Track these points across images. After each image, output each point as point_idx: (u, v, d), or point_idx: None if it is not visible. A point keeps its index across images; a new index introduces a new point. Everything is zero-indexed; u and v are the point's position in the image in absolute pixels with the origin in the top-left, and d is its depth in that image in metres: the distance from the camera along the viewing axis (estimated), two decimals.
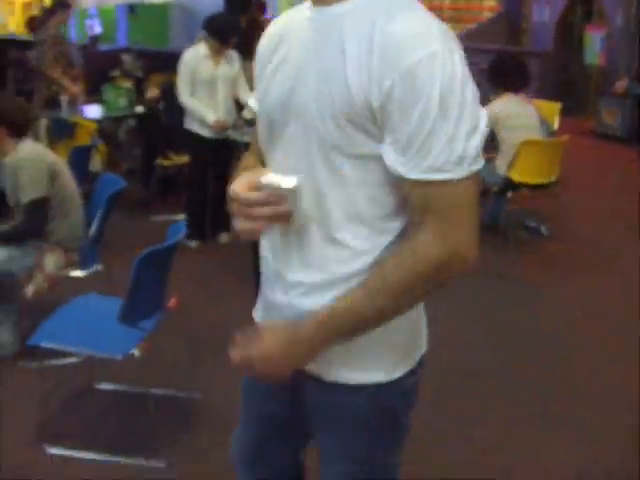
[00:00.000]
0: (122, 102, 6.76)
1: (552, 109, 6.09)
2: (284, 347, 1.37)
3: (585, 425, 3.12)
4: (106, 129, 6.81)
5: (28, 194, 3.57)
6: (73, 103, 6.74)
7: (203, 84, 5.17)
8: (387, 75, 1.23)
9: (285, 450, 1.75)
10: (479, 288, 4.35)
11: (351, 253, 1.38)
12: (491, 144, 4.98)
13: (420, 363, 1.55)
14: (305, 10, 1.42)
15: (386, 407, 1.50)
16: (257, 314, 1.64)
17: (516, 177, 4.76)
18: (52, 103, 6.74)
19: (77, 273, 3.80)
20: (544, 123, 5.29)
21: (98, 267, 3.86)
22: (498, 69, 4.97)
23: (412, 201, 1.31)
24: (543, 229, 5.40)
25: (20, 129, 3.73)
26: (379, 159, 1.30)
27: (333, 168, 1.34)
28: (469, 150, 1.26)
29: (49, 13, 7.15)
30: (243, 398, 1.77)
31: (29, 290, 3.65)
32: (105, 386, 3.45)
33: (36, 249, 3.67)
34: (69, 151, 5.11)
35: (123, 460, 2.89)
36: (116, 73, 8.11)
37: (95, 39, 12.68)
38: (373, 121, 1.27)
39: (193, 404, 3.29)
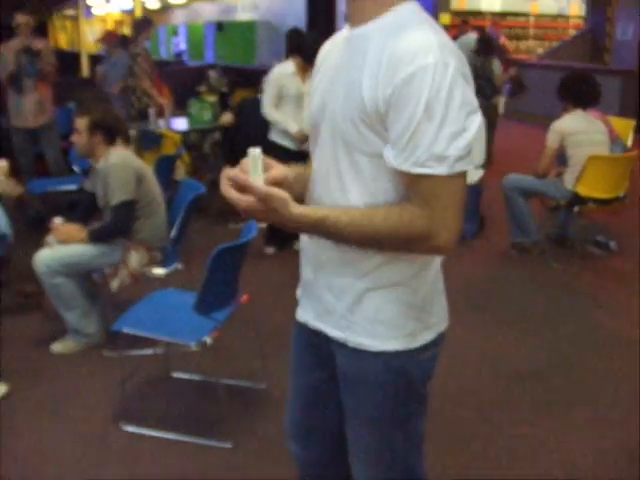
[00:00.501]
0: (207, 115, 7.16)
1: (626, 126, 6.13)
2: (287, 217, 1.54)
3: None
4: (191, 141, 7.21)
5: (117, 196, 3.92)
6: (160, 115, 7.17)
7: (290, 100, 5.46)
8: (389, 85, 1.47)
9: (329, 420, 1.98)
10: (547, 298, 4.52)
11: None
12: (561, 159, 5.11)
13: (438, 340, 1.77)
14: (345, 31, 1.68)
15: (400, 372, 1.73)
16: (298, 292, 1.92)
17: (583, 192, 4.87)
18: (141, 115, 7.18)
19: (159, 270, 4.11)
20: (617, 140, 5.37)
21: (178, 266, 4.17)
22: (567, 86, 5.08)
23: (406, 187, 1.55)
24: (612, 245, 5.45)
25: (113, 136, 4.10)
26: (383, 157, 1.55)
27: (354, 164, 1.60)
28: (451, 151, 1.47)
29: (135, 30, 7.62)
30: (291, 374, 2.02)
31: (114, 284, 3.98)
32: (180, 375, 3.75)
33: (122, 247, 4.01)
34: (155, 160, 5.49)
35: (192, 440, 3.17)
36: (202, 88, 8.56)
37: (180, 55, 13.29)
38: (381, 124, 1.52)
39: (258, 393, 3.54)
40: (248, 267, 3.49)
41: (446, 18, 13.55)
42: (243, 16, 20.27)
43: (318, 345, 1.86)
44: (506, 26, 16.87)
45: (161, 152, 6.32)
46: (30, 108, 6.40)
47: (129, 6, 19.14)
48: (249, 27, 18.05)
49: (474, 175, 5.71)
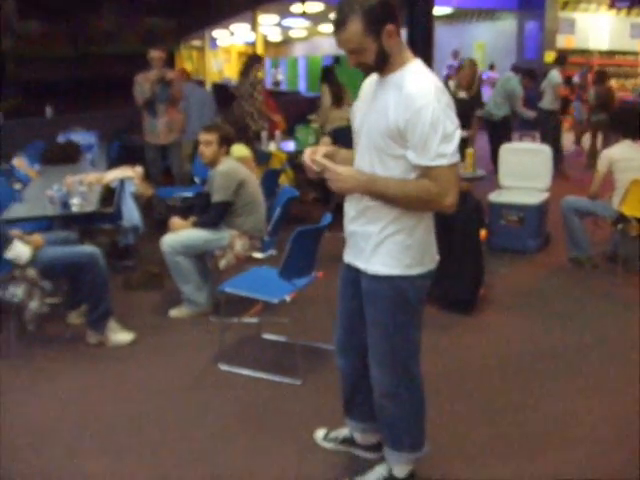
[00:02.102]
0: (311, 140, 8.37)
1: None
2: (351, 175, 2.70)
3: None
4: (296, 161, 8.42)
5: (217, 196, 5.15)
6: (271, 138, 8.46)
7: None
8: (406, 113, 2.59)
9: (361, 337, 3.02)
10: (593, 304, 5.44)
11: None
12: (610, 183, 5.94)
13: (427, 274, 2.86)
14: (375, 77, 2.80)
15: (400, 290, 2.81)
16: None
17: (626, 211, 5.70)
18: (256, 136, 8.50)
19: (258, 255, 5.29)
20: None
21: (273, 252, 5.33)
22: (619, 118, 5.94)
23: (422, 174, 2.64)
24: None
25: (229, 148, 5.33)
26: (404, 158, 2.65)
27: (383, 163, 2.72)
28: (447, 150, 2.59)
29: (248, 63, 8.99)
30: (337, 301, 3.12)
31: (222, 264, 5.19)
32: (268, 336, 4.88)
33: (230, 235, 5.20)
34: (264, 172, 6.72)
35: (271, 377, 4.28)
36: (313, 116, 9.81)
37: (277, 85, 14.85)
38: (400, 137, 2.63)
39: (326, 352, 4.55)
40: (326, 249, 4.57)
41: (551, 56, 14.29)
42: None
43: (354, 279, 2.95)
44: (614, 64, 17.46)
45: (269, 166, 7.57)
46: (161, 128, 7.81)
47: (252, 39, 20.81)
48: None
49: (539, 197, 6.65)
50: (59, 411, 4.00)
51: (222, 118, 7.74)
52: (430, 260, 2.88)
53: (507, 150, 7.11)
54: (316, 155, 2.76)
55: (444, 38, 18.92)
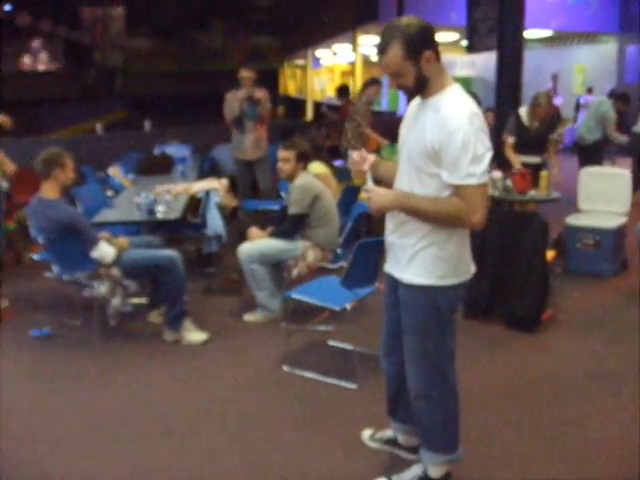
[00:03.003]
0: (395, 158, 8.62)
1: None
2: (387, 194, 3.00)
3: None
4: (378, 179, 8.71)
5: (292, 208, 5.51)
6: None
7: None
8: (440, 135, 2.85)
9: (402, 348, 3.28)
10: None
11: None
12: None
13: (460, 286, 3.09)
14: (418, 99, 3.08)
15: (432, 300, 3.07)
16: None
17: None
18: (345, 155, 8.85)
19: (329, 265, 5.60)
20: None
21: (344, 264, 5.62)
22: None
23: (453, 192, 2.89)
24: None
25: (306, 164, 5.67)
26: (439, 176, 2.92)
27: (421, 180, 3.00)
28: (477, 171, 2.84)
29: (364, 86, 9.40)
30: (383, 309, 3.39)
31: (294, 273, 5.53)
32: (333, 343, 5.17)
33: (303, 246, 5.54)
34: (344, 188, 7.04)
35: (329, 380, 4.57)
36: None
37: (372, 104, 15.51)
38: (436, 156, 2.89)
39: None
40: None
41: None
42: (461, 72, 21.82)
43: (395, 287, 3.23)
44: None
45: (351, 183, 7.87)
46: (249, 144, 8.26)
47: (354, 58, 21.26)
48: (465, 82, 19.49)
49: (616, 221, 6.72)
50: (130, 399, 4.41)
51: (300, 136, 8.09)
52: (463, 272, 3.11)
53: (587, 174, 7.20)
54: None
55: (544, 61, 18.88)
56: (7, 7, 15.99)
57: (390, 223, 3.18)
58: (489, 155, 2.87)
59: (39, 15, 18.22)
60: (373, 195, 3.01)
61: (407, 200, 2.97)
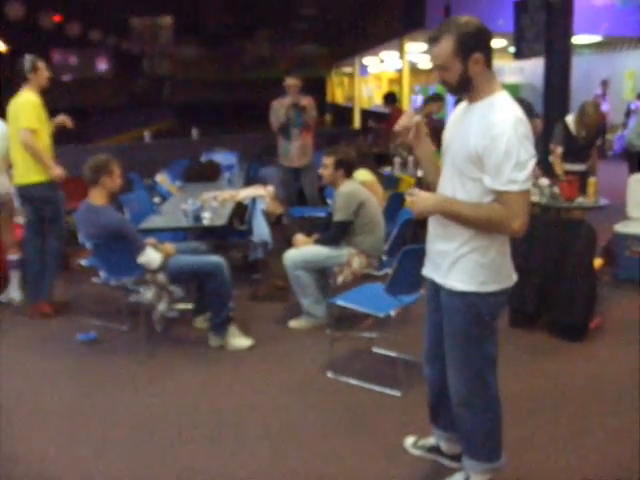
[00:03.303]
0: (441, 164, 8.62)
1: None
2: (430, 198, 3.01)
3: None
4: (425, 185, 8.71)
5: (337, 216, 5.54)
6: (404, 164, 8.80)
7: None
8: (484, 140, 2.85)
9: (444, 354, 3.28)
10: None
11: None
12: None
13: (501, 292, 3.08)
14: (465, 103, 3.08)
15: (473, 306, 3.06)
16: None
17: None
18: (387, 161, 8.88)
19: (374, 272, 5.61)
20: None
21: (389, 271, 5.61)
22: None
23: (495, 198, 2.89)
24: None
25: (349, 171, 5.69)
26: (482, 181, 2.91)
27: (463, 185, 3.00)
28: (519, 178, 2.83)
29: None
30: (425, 314, 3.40)
31: (339, 280, 5.55)
32: (378, 350, 5.18)
33: (348, 253, 5.56)
34: (390, 195, 7.05)
35: (372, 387, 4.58)
36: None
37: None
38: (479, 161, 2.89)
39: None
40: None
41: None
42: (510, 78, 21.65)
43: (436, 292, 3.23)
44: None
45: (397, 190, 7.88)
46: (295, 151, 8.33)
47: (401, 66, 21.25)
48: (514, 89, 19.29)
49: None
50: (174, 404, 4.47)
51: (346, 143, 8.15)
52: (505, 279, 3.10)
53: (636, 180, 7.09)
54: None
55: (593, 67, 18.63)
56: (57, 17, 16.37)
57: (432, 228, 3.19)
58: (532, 162, 2.86)
59: (89, 25, 18.61)
60: (416, 199, 3.02)
61: (449, 205, 2.97)
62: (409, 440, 3.82)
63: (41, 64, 6.23)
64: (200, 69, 30.28)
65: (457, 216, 2.96)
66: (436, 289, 3.22)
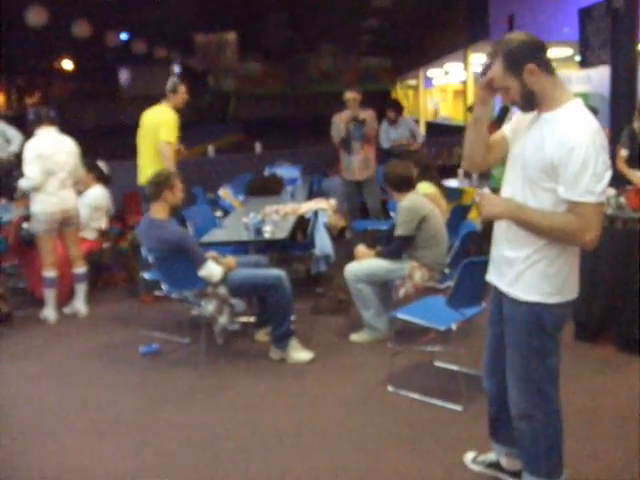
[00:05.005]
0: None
1: None
2: (500, 202, 2.97)
3: None
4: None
5: (399, 230, 5.53)
6: (467, 175, 8.74)
7: None
8: (561, 151, 2.81)
9: (504, 359, 3.25)
10: None
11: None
12: None
13: (566, 304, 3.04)
14: (534, 114, 3.04)
15: (537, 316, 3.03)
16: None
17: None
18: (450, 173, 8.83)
19: (436, 285, 5.57)
20: None
21: (451, 284, 5.57)
22: None
23: (569, 209, 2.85)
24: None
25: (400, 186, 5.66)
26: (554, 191, 2.87)
27: (535, 195, 2.96)
28: (596, 189, 2.78)
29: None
30: (487, 324, 3.37)
31: (401, 292, 5.53)
32: (440, 364, 5.14)
33: (410, 265, 5.54)
34: (453, 208, 7.01)
35: (433, 401, 4.55)
36: None
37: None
38: (553, 171, 2.85)
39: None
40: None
41: None
42: (577, 88, 21.27)
43: (499, 300, 3.20)
44: None
45: (460, 202, 7.83)
46: (357, 165, 8.35)
47: (465, 77, 21.09)
48: (581, 98, 18.97)
49: None
50: (234, 417, 4.53)
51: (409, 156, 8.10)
52: (570, 291, 3.05)
53: None
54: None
55: None
56: (124, 36, 16.77)
57: (500, 233, 3.15)
58: (609, 174, 2.82)
59: (154, 42, 18.99)
60: (485, 201, 3.00)
61: (520, 211, 2.93)
62: (469, 456, 3.79)
63: (182, 88, 7.15)
64: (264, 84, 30.60)
65: (529, 223, 2.92)
66: (500, 299, 3.19)
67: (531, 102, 2.93)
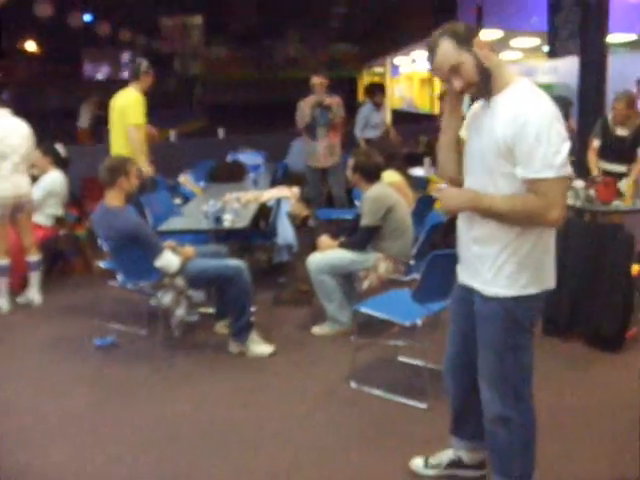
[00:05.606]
0: None
1: None
2: (459, 194, 2.85)
3: None
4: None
5: (365, 220, 5.33)
6: (433, 164, 8.57)
7: None
8: (513, 129, 2.67)
9: (472, 358, 3.08)
10: None
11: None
12: None
13: (541, 294, 2.88)
14: (480, 102, 2.91)
15: (511, 312, 2.86)
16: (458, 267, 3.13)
17: None
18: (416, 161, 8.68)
19: (401, 278, 5.40)
20: None
21: (416, 276, 5.40)
22: None
23: (529, 188, 2.69)
24: None
25: (369, 175, 5.47)
26: (513, 175, 2.72)
27: (494, 183, 2.81)
28: (555, 162, 2.63)
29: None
30: (450, 321, 3.20)
31: (365, 284, 5.35)
32: (404, 359, 4.97)
33: (375, 257, 5.35)
34: (418, 198, 6.83)
35: (397, 398, 4.38)
36: None
37: None
38: (510, 154, 2.71)
39: None
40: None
41: None
42: (543, 78, 21.29)
43: (468, 298, 3.03)
44: None
45: (427, 192, 7.66)
46: (322, 151, 8.14)
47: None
48: (547, 89, 18.93)
49: None
50: (190, 414, 4.32)
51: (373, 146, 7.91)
52: (546, 280, 2.91)
53: None
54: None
55: (628, 66, 18.17)
56: (87, 17, 16.36)
57: (465, 230, 2.99)
58: (567, 145, 2.67)
59: (119, 25, 18.59)
60: (444, 195, 2.86)
61: (480, 200, 2.78)
62: (417, 462, 3.59)
63: (151, 72, 7.07)
64: (230, 69, 30.23)
65: (491, 211, 2.77)
66: (467, 297, 3.03)
67: (487, 80, 2.78)
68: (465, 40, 2.73)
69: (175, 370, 4.89)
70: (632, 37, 16.76)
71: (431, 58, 2.78)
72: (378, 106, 9.70)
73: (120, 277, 5.18)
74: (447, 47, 2.73)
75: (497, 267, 2.85)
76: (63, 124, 16.65)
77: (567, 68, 19.19)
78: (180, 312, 4.93)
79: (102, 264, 5.89)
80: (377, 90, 9.92)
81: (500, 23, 15.56)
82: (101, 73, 29.50)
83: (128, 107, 6.86)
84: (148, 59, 7.23)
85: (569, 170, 2.68)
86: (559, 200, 2.67)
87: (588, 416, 4.16)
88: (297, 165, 9.36)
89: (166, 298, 4.88)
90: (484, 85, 2.78)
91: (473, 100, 3.05)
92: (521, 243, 2.80)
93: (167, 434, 4.04)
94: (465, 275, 3.06)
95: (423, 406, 4.28)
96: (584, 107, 8.40)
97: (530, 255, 2.81)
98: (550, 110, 2.68)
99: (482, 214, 2.80)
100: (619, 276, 4.95)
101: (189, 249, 5.10)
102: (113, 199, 4.89)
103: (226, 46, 29.83)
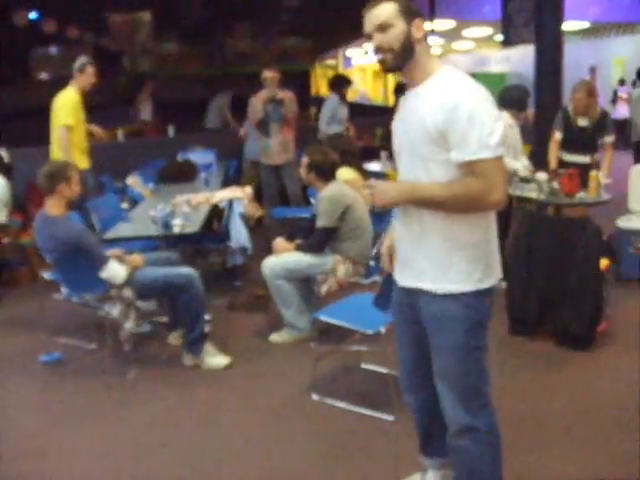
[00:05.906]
0: None
1: None
2: (392, 187, 2.66)
3: None
4: None
5: (321, 222, 5.07)
6: (390, 158, 8.34)
7: (510, 149, 6.01)
8: (443, 114, 2.51)
9: (429, 365, 2.84)
10: None
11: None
12: None
13: (493, 289, 2.72)
14: (407, 93, 2.74)
15: (473, 309, 2.67)
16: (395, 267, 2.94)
17: None
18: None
19: (361, 281, 5.15)
20: None
21: (377, 278, 5.17)
22: None
23: (466, 172, 2.53)
24: None
25: (325, 174, 5.21)
26: (447, 161, 2.56)
27: (428, 172, 2.62)
28: (490, 142, 2.49)
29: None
30: (396, 332, 3.00)
31: (324, 288, 5.08)
32: (367, 366, 4.73)
33: (333, 260, 5.10)
34: None
35: (363, 410, 4.13)
36: None
37: None
38: (442, 139, 2.55)
39: None
40: None
41: None
42: (496, 68, 21.28)
43: (412, 303, 2.80)
44: None
45: None
46: (275, 148, 7.84)
47: None
48: (500, 78, 18.90)
49: None
50: (142, 433, 4.04)
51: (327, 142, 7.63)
52: (495, 272, 2.75)
53: (638, 172, 6.66)
54: None
55: (581, 54, 18.22)
56: (32, 15, 15.77)
57: (403, 227, 2.78)
58: (500, 125, 2.55)
59: (65, 22, 18.01)
60: (376, 190, 2.67)
61: (415, 190, 2.60)
62: None
63: (91, 69, 6.75)
64: (181, 65, 29.70)
65: (428, 200, 2.59)
66: (413, 299, 2.80)
67: (407, 55, 2.63)
68: (407, 13, 2.63)
69: (126, 388, 4.58)
70: (585, 25, 16.79)
71: (368, 10, 2.67)
72: (343, 99, 9.34)
73: (64, 289, 4.85)
74: (388, 7, 2.63)
75: (445, 262, 2.66)
76: (7, 126, 16.09)
77: (519, 57, 19.22)
78: (129, 325, 4.63)
79: (46, 275, 5.54)
80: (344, 82, 9.56)
81: (452, 13, 15.46)
82: (48, 72, 28.79)
83: (59, 107, 6.63)
84: (97, 57, 6.89)
85: (503, 151, 2.56)
86: (499, 180, 2.54)
87: (557, 421, 3.96)
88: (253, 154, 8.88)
89: (114, 311, 4.57)
90: (401, 59, 2.64)
91: (398, 92, 2.89)
92: (470, 234, 2.64)
93: (118, 461, 3.75)
94: (407, 277, 2.82)
95: (390, 418, 4.04)
96: (540, 96, 8.24)
97: (479, 247, 2.66)
98: (479, 92, 2.58)
99: (420, 205, 2.62)
100: (588, 271, 4.75)
101: (136, 257, 4.79)
102: (53, 207, 4.56)
103: (176, 42, 29.24)
